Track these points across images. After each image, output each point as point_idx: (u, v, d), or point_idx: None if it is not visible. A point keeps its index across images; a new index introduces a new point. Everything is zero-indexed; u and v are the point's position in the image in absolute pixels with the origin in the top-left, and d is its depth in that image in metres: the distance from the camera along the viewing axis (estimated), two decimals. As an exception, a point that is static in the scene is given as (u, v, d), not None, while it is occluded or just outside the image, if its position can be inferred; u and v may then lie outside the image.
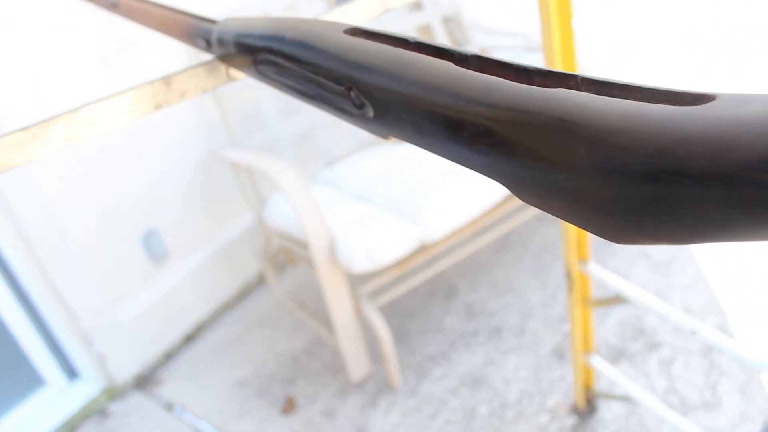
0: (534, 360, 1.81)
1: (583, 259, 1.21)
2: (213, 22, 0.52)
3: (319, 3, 2.25)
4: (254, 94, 2.02)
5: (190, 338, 2.20)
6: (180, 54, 1.91)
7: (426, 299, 2.12)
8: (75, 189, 1.81)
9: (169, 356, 2.15)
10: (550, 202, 0.29)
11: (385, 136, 0.38)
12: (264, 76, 0.46)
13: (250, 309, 2.29)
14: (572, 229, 1.17)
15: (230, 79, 0.54)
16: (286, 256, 2.09)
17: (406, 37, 0.36)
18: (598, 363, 1.38)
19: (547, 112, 0.27)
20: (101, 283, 1.94)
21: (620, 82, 0.28)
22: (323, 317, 2.07)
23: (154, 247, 2.03)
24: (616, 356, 1.76)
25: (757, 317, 1.76)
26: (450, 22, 2.42)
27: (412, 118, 0.33)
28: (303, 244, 1.77)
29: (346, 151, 2.17)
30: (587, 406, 1.55)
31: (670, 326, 1.80)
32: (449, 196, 1.74)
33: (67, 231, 1.82)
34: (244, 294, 2.34)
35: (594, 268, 1.20)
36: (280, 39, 0.42)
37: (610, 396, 1.51)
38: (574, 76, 0.29)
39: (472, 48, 2.39)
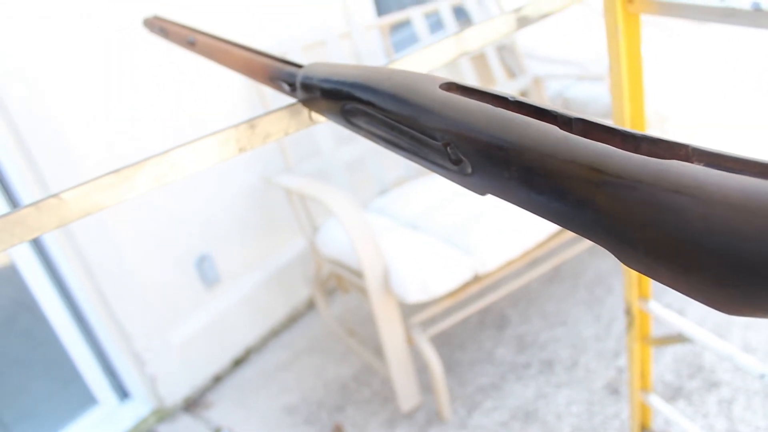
0: (587, 395, 1.77)
1: (644, 296, 1.19)
2: (299, 66, 0.53)
3: (374, 31, 2.28)
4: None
5: (239, 362, 2.22)
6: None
7: (477, 330, 2.10)
8: (132, 213, 1.85)
9: (218, 380, 2.17)
10: (658, 269, 0.29)
11: (483, 194, 0.38)
12: (351, 124, 0.47)
13: (300, 334, 2.30)
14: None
15: (313, 122, 0.56)
16: (336, 282, 2.10)
17: (505, 95, 0.36)
18: (656, 402, 1.34)
19: (661, 184, 0.27)
20: (155, 306, 1.98)
21: (734, 155, 0.28)
22: (373, 345, 2.07)
23: (206, 271, 2.06)
24: (673, 394, 1.71)
25: (822, 358, 1.70)
26: (504, 50, 2.43)
27: (514, 178, 0.34)
28: (356, 272, 1.78)
29: (398, 179, 2.18)
30: (644, 446, 1.51)
31: (730, 365, 1.75)
32: (503, 227, 1.73)
33: (124, 254, 1.86)
34: (293, 319, 2.36)
35: (654, 306, 1.18)
36: (373, 90, 0.43)
37: (668, 436, 1.47)
38: (685, 146, 0.29)
39: (527, 77, 2.39)
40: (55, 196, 0.45)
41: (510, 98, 0.36)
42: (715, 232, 0.25)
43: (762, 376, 1.03)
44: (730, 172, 0.27)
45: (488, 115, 0.35)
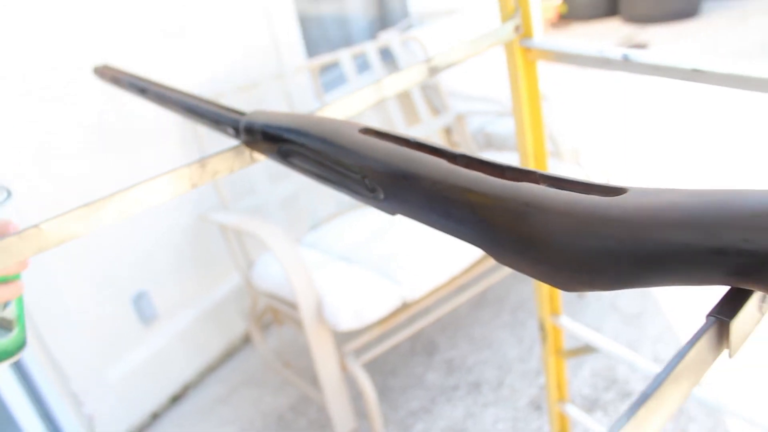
0: (512, 412, 1.89)
1: (555, 312, 1.31)
2: (241, 113, 0.62)
3: (305, 72, 2.39)
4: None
5: (176, 398, 2.24)
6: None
7: (407, 356, 2.20)
8: (69, 252, 1.88)
9: (156, 417, 2.18)
10: (519, 263, 0.39)
11: (393, 214, 0.48)
12: (288, 162, 0.56)
13: (236, 369, 2.34)
14: (545, 284, 1.27)
15: (253, 161, 0.65)
16: (272, 315, 2.16)
17: (408, 138, 0.47)
18: (573, 412, 1.46)
19: (515, 200, 0.37)
20: (92, 345, 1.99)
21: (565, 177, 0.38)
22: (309, 375, 2.14)
23: (143, 309, 2.09)
24: (591, 406, 1.84)
25: (719, 363, 1.87)
26: (428, 88, 2.58)
27: (415, 201, 0.44)
28: (290, 304, 1.85)
29: (329, 214, 2.27)
30: (564, 455, 1.63)
31: (641, 375, 1.90)
32: (428, 256, 1.84)
33: (61, 293, 1.88)
34: (229, 354, 2.40)
35: (565, 321, 1.30)
36: (305, 134, 0.52)
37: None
38: (534, 173, 0.40)
39: (450, 114, 2.54)
40: (35, 226, 0.53)
41: (411, 140, 0.46)
42: (552, 233, 0.36)
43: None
44: (562, 190, 0.37)
45: (394, 153, 0.45)
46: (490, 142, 2.75)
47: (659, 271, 0.33)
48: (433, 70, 0.87)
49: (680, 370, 0.31)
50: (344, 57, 2.38)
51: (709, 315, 0.33)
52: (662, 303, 2.19)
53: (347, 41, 3.01)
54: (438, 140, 2.56)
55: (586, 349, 1.29)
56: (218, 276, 2.33)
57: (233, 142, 0.65)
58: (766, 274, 0.28)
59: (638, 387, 1.87)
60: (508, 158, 2.41)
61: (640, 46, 5.14)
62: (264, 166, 2.14)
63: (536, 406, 1.89)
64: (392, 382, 2.10)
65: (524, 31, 0.96)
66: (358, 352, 1.92)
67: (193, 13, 2.12)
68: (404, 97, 2.56)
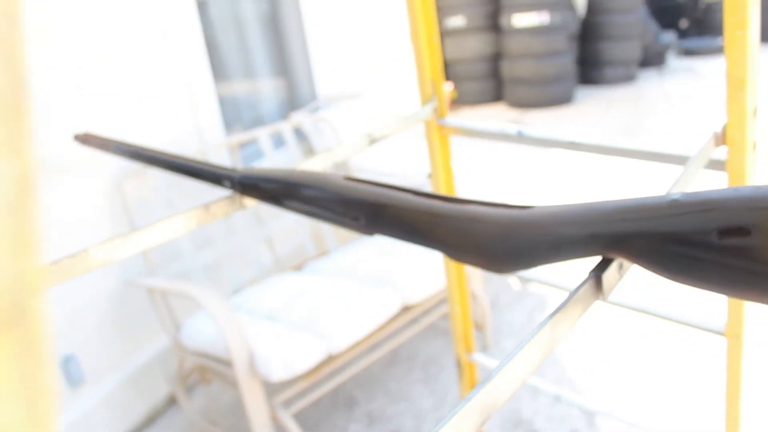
0: (429, 455, 2.05)
1: (469, 350, 1.52)
2: (233, 170, 0.81)
3: (224, 148, 2.56)
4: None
5: (99, 466, 2.25)
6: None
7: (329, 410, 2.33)
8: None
9: (77, 485, 2.18)
10: (468, 258, 0.59)
11: (371, 234, 0.67)
12: (279, 204, 0.74)
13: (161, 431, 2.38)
14: (459, 326, 1.48)
15: (243, 207, 0.82)
16: (199, 375, 2.25)
17: (380, 182, 0.67)
18: (485, 442, 1.66)
19: (463, 216, 0.58)
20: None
21: (494, 202, 0.60)
22: (234, 433, 2.22)
23: (71, 372, 2.13)
24: (499, 444, 2.04)
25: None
26: (339, 166, 2.81)
27: (389, 224, 0.64)
28: (222, 360, 1.97)
29: (250, 279, 2.42)
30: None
31: (546, 414, 2.13)
32: (348, 312, 2.03)
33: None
34: (152, 419, 2.44)
35: (478, 356, 1.51)
36: (298, 185, 0.72)
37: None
38: (473, 200, 0.61)
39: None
40: (84, 250, 0.68)
41: (383, 183, 0.66)
42: (489, 237, 0.57)
43: (557, 398, 1.38)
44: (492, 208, 0.59)
45: (373, 191, 0.65)
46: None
47: (557, 252, 0.54)
48: (372, 140, 1.08)
49: (570, 307, 0.51)
50: (262, 135, 2.59)
51: (591, 272, 0.54)
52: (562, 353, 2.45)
53: (258, 121, 3.22)
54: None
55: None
56: (143, 339, 2.40)
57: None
58: (620, 248, 0.50)
59: (542, 425, 2.09)
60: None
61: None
62: (190, 234, 2.28)
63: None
64: (316, 435, 2.22)
65: (440, 112, 1.20)
66: (287, 403, 2.05)
67: (125, 97, 2.28)
68: (319, 171, 2.77)
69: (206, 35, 2.65)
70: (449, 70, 6.45)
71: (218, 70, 2.78)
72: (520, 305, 2.87)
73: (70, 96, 2.10)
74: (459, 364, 1.54)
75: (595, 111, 5.99)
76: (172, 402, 2.50)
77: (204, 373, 2.26)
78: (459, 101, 6.60)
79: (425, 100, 1.19)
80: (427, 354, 2.59)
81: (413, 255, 2.35)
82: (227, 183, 0.80)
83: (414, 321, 2.50)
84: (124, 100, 2.28)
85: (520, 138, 1.10)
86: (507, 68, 6.30)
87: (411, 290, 2.17)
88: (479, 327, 2.68)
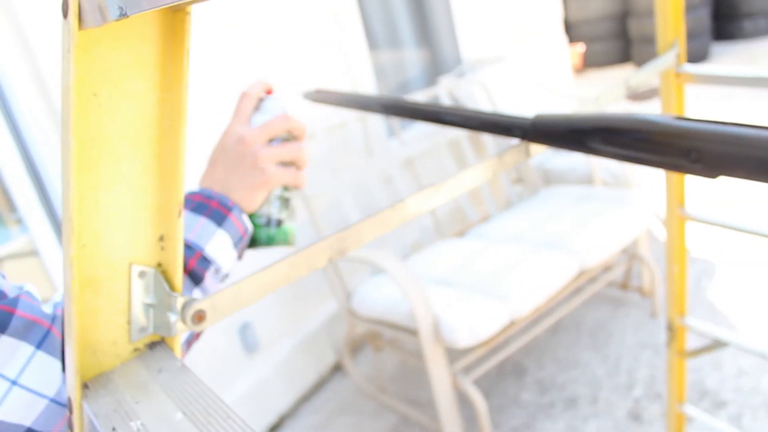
0: (613, 423, 1.99)
1: (681, 313, 1.44)
2: (523, 118, 0.77)
3: (378, 117, 2.56)
4: (335, 196, 2.28)
5: (274, 429, 2.34)
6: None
7: (497, 380, 2.30)
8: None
9: (257, 446, 2.27)
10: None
11: (714, 176, 0.62)
12: (582, 149, 0.71)
13: (329, 398, 2.44)
14: (676, 287, 1.40)
15: (528, 156, 0.79)
16: (370, 342, 2.28)
17: (722, 121, 0.61)
18: (693, 412, 1.57)
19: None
20: (203, 373, 2.10)
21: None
22: (405, 398, 2.24)
23: (248, 339, 2.21)
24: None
25: None
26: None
27: (740, 164, 0.59)
28: (399, 326, 1.98)
29: (414, 243, 2.42)
30: (679, 457, 1.73)
31: (732, 385, 2.01)
32: (530, 275, 1.98)
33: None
34: (320, 384, 2.50)
35: (691, 321, 1.43)
36: (611, 129, 0.67)
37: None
38: None
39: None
40: (402, 201, 0.67)
41: (722, 121, 0.61)
42: None
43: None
44: None
45: (714, 129, 0.60)
46: (547, 178, 2.91)
47: None
48: (629, 88, 1.02)
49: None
50: (418, 99, 2.57)
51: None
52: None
53: (404, 87, 3.20)
54: (505, 176, 2.72)
55: (715, 345, 1.41)
56: (312, 306, 2.46)
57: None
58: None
59: (729, 396, 1.98)
60: (569, 191, 2.57)
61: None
62: (355, 201, 2.29)
63: (635, 417, 1.99)
64: (488, 403, 2.20)
65: (680, 59, 1.12)
66: (466, 370, 2.04)
67: (292, 66, 2.31)
68: (474, 137, 2.73)
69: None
70: (573, 32, 6.20)
71: (369, 37, 2.78)
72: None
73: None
74: (671, 328, 1.47)
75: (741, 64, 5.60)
76: (337, 368, 2.55)
77: (374, 340, 2.28)
78: (585, 64, 6.34)
79: (665, 48, 1.11)
80: (594, 321, 2.51)
81: (585, 218, 2.26)
82: (518, 131, 0.77)
83: (580, 288, 2.43)
84: (291, 69, 2.32)
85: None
86: (635, 26, 5.98)
87: (587, 254, 2.09)
88: (645, 293, 2.57)
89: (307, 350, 2.42)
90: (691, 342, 1.45)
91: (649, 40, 5.94)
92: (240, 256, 0.73)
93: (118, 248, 0.47)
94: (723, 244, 2.84)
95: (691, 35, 5.82)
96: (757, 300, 2.40)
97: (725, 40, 6.47)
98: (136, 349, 0.50)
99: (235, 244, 0.71)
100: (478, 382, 2.25)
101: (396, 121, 2.60)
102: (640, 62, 6.12)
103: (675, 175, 1.25)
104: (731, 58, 5.95)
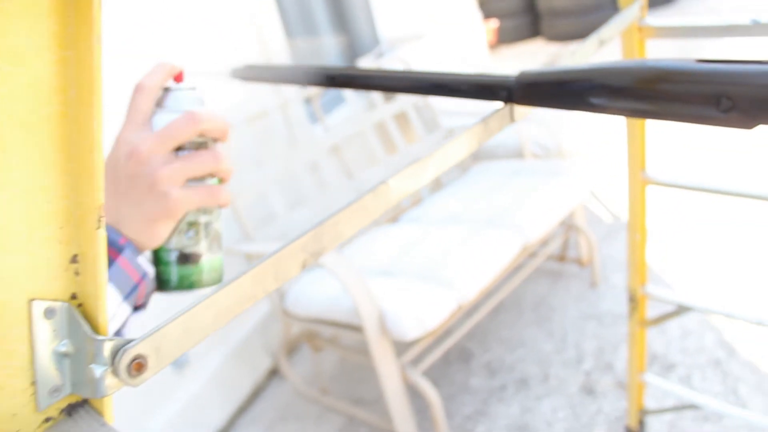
0: (567, 399, 1.93)
1: (643, 282, 1.38)
2: (507, 77, 0.66)
3: (299, 103, 2.41)
4: (260, 190, 2.12)
5: (213, 444, 2.16)
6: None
7: (444, 367, 2.21)
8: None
9: (195, 465, 2.10)
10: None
11: (751, 127, 0.52)
12: (587, 105, 0.60)
13: (269, 406, 2.28)
14: (637, 257, 1.33)
15: (512, 120, 0.68)
16: (308, 342, 2.13)
17: (757, 60, 0.52)
18: (654, 380, 1.52)
19: None
20: (126, 398, 1.90)
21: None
22: (349, 398, 2.12)
23: (178, 352, 2.02)
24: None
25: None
26: (421, 109, 2.65)
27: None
28: (340, 324, 1.84)
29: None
30: (639, 427, 1.69)
31: (677, 347, 1.99)
32: (473, 258, 1.89)
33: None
34: (257, 393, 2.34)
35: (652, 289, 1.37)
36: (621, 81, 0.57)
37: (660, 411, 1.65)
38: None
39: (442, 130, 2.61)
40: (384, 182, 0.54)
41: (758, 60, 0.51)
42: None
43: (760, 323, 1.23)
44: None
45: (749, 70, 0.50)
46: (476, 154, 2.84)
47: None
48: (601, 43, 0.91)
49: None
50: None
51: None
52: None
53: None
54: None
55: (678, 311, 1.35)
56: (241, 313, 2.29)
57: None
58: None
59: (678, 358, 1.96)
60: (501, 167, 2.51)
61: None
62: (281, 194, 2.14)
63: (588, 391, 1.95)
64: (438, 393, 2.11)
65: (643, 12, 1.04)
66: (414, 362, 1.93)
67: (201, 54, 2.12)
68: (400, 117, 2.61)
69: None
70: (485, 8, 6.19)
71: (285, 25, 2.61)
72: (617, 238, 2.72)
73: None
74: (633, 298, 1.40)
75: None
76: (274, 374, 2.39)
77: (312, 340, 2.14)
78: (498, 40, 6.34)
79: (628, 1, 1.02)
80: (534, 297, 2.46)
81: (522, 192, 2.20)
82: (503, 93, 0.65)
83: (521, 265, 2.37)
84: (203, 60, 2.13)
85: (754, 29, 0.94)
86: (543, 1, 6.03)
87: (530, 229, 2.02)
88: (583, 263, 2.54)
89: (239, 358, 2.25)
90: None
91: (558, 14, 6.01)
92: (142, 306, 0.55)
93: (10, 279, 0.32)
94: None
95: (598, 7, 5.92)
96: (687, 260, 2.41)
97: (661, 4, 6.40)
98: (47, 419, 0.35)
99: (127, 296, 0.52)
100: (426, 373, 2.15)
101: (319, 106, 2.45)
102: (550, 37, 6.19)
103: (636, 137, 1.17)
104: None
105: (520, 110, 0.67)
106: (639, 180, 1.21)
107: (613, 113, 0.59)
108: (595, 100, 0.59)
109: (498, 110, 0.66)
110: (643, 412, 1.65)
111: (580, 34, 5.96)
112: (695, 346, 1.99)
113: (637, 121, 1.15)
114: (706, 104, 0.54)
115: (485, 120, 0.64)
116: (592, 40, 0.89)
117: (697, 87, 0.54)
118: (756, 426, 1.59)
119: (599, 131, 3.96)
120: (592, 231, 2.52)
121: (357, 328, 1.80)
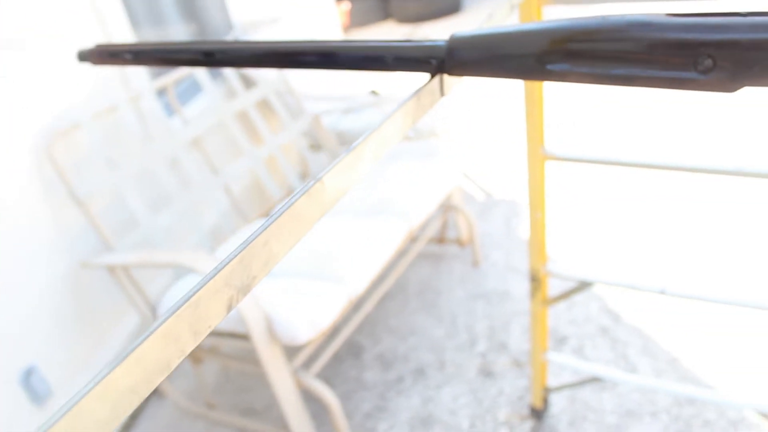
0: (467, 385, 1.90)
1: (544, 261, 1.34)
2: (437, 44, 0.55)
3: (152, 94, 2.19)
4: (115, 192, 1.89)
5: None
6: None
7: (335, 364, 2.11)
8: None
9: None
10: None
11: (736, 89, 0.45)
12: (545, 74, 0.50)
13: (149, 428, 2.07)
14: (539, 236, 1.29)
15: (443, 93, 0.57)
16: (188, 354, 1.95)
17: (744, 12, 0.45)
18: (558, 358, 1.51)
19: None
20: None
21: None
22: (238, 409, 1.96)
23: (35, 387, 1.77)
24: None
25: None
26: (283, 95, 2.50)
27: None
28: (225, 333, 1.69)
29: (216, 236, 2.11)
30: (543, 405, 1.67)
31: (566, 318, 2.01)
32: (361, 249, 1.79)
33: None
34: (136, 415, 2.12)
35: (554, 266, 1.34)
36: (583, 41, 0.48)
37: (562, 387, 1.64)
38: None
39: (307, 116, 2.48)
40: (318, 180, 0.42)
41: (745, 12, 0.44)
42: None
43: (662, 291, 1.23)
44: None
45: (733, 23, 0.43)
46: (344, 140, 2.74)
47: None
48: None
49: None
50: (198, 68, 2.23)
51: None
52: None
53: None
54: (302, 143, 2.50)
55: (581, 287, 1.33)
56: (108, 328, 2.05)
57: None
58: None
59: (569, 330, 1.98)
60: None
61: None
62: (141, 195, 1.93)
63: (486, 373, 1.92)
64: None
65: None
66: (306, 365, 1.81)
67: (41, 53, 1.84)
68: (263, 105, 2.45)
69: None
70: (334, -9, 6.09)
71: (130, 15, 2.36)
72: (492, 215, 2.74)
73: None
74: (534, 278, 1.36)
75: (482, 18, 5.89)
76: (152, 392, 2.18)
77: (192, 352, 1.96)
78: (351, 23, 6.27)
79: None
80: (418, 281, 2.41)
81: (401, 176, 2.12)
82: (434, 61, 0.55)
83: (405, 250, 2.30)
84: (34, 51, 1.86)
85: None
86: (391, -17, 6.03)
87: (414, 213, 1.95)
88: (463, 243, 2.53)
89: (109, 380, 2.02)
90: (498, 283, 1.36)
91: (405, -4, 6.03)
92: None
93: None
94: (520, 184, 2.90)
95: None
96: (583, 232, 2.46)
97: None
98: None
99: None
100: (319, 375, 2.04)
101: (174, 97, 2.23)
102: (400, 19, 6.20)
103: (534, 111, 1.12)
104: (482, 6, 6.24)
105: (450, 82, 0.57)
106: (538, 156, 1.16)
107: (573, 80, 0.51)
108: (552, 67, 0.51)
109: (428, 83, 0.56)
110: (546, 390, 1.64)
111: (429, 15, 6.03)
112: (582, 317, 2.02)
113: (534, 93, 1.09)
114: (682, 66, 0.47)
115: (417, 95, 0.53)
116: (505, 5, 0.80)
117: (672, 45, 0.46)
118: (647, 389, 1.63)
119: (461, 109, 3.99)
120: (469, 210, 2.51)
121: (242, 336, 1.66)
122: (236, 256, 0.34)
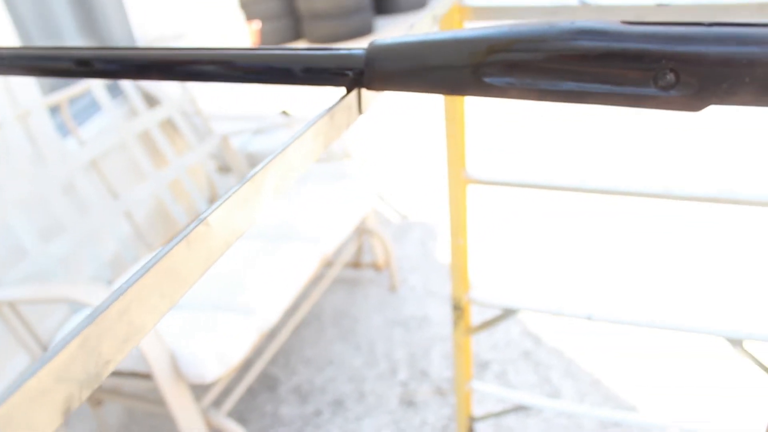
0: (389, 416, 1.81)
1: (467, 288, 1.28)
2: (354, 53, 0.47)
3: (44, 110, 2.01)
4: (2, 219, 1.71)
5: None
6: None
7: (248, 398, 1.98)
8: None
9: None
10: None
11: (700, 108, 0.39)
12: (483, 89, 0.43)
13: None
14: (461, 262, 1.23)
15: (361, 111, 0.49)
16: (88, 399, 1.77)
17: (713, 21, 0.39)
18: (481, 386, 1.44)
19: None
20: None
21: None
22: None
23: None
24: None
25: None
26: (190, 114, 2.36)
27: (747, 86, 0.37)
28: (126, 373, 1.54)
29: (117, 266, 1.95)
30: (468, 436, 1.61)
31: (487, 344, 1.97)
32: (271, 278, 1.68)
33: None
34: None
35: (477, 294, 1.28)
36: (516, 51, 0.41)
37: (488, 416, 1.58)
38: None
39: (215, 136, 2.36)
40: (202, 222, 0.33)
41: (714, 21, 0.39)
42: None
43: (589, 317, 1.19)
44: None
45: (704, 32, 0.37)
46: (253, 162, 2.63)
47: None
48: None
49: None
50: (95, 84, 2.07)
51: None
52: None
53: (66, 81, 2.63)
54: (209, 166, 2.36)
55: (505, 314, 1.27)
56: (-10, 373, 1.85)
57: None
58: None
59: (490, 356, 1.94)
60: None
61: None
62: (30, 222, 1.75)
63: (408, 403, 1.84)
64: (247, 429, 1.87)
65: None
66: (217, 403, 1.68)
67: None
68: (166, 125, 2.31)
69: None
70: (246, 10, 5.96)
71: (19, 29, 2.17)
72: (408, 238, 2.68)
73: None
74: (457, 306, 1.30)
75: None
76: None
77: (92, 396, 1.78)
78: (262, 42, 6.15)
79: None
80: (333, 309, 2.31)
81: (314, 199, 2.03)
82: (351, 73, 0.46)
83: (319, 277, 2.21)
84: None
85: (582, 11, 0.85)
86: (304, 4, 5.96)
87: (327, 239, 1.86)
88: (379, 268, 2.46)
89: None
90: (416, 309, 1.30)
91: (319, 17, 5.96)
92: None
93: None
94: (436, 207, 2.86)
95: (357, 9, 5.98)
96: (506, 257, 2.43)
97: (385, 14, 6.79)
98: None
99: None
100: (232, 413, 1.90)
101: (69, 116, 2.06)
102: (312, 39, 6.15)
103: (455, 133, 1.05)
104: (392, 29, 6.26)
105: (368, 98, 0.49)
106: (460, 180, 1.09)
107: (514, 96, 0.44)
108: (491, 80, 0.43)
109: (343, 99, 0.47)
110: (471, 419, 1.57)
111: (342, 36, 6.00)
112: (504, 341, 1.98)
113: (456, 111, 1.03)
114: (640, 81, 0.41)
115: (330, 112, 0.45)
116: (427, 16, 0.73)
117: (630, 58, 0.40)
118: (572, 413, 1.59)
119: (373, 129, 3.95)
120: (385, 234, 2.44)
121: (145, 376, 1.51)
122: (79, 333, 0.24)
